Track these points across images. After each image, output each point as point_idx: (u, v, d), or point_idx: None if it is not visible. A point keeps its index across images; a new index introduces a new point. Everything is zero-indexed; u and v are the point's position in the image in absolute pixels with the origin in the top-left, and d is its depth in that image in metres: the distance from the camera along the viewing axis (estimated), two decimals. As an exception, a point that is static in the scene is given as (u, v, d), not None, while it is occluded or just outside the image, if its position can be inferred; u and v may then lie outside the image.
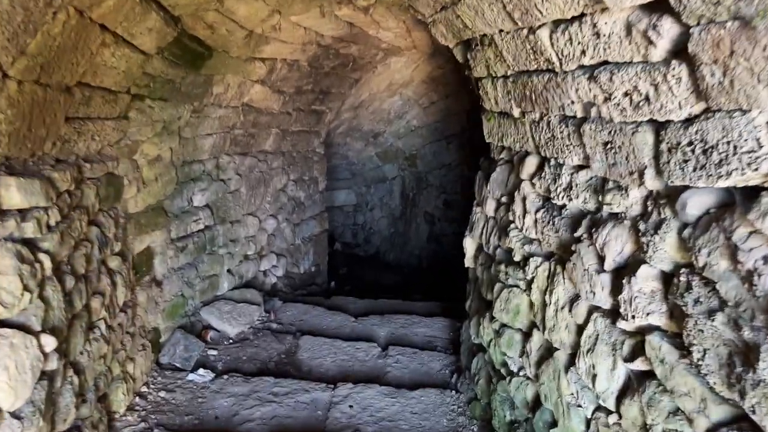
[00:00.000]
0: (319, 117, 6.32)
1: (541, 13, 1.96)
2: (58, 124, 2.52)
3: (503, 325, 2.95)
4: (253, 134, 5.09)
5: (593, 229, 2.07)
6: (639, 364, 1.79)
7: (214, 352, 4.22)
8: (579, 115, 2.10)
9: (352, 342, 4.41)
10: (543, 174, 2.57)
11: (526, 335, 2.73)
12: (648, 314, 1.74)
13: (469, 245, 3.75)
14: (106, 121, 3.04)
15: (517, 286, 2.80)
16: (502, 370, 2.99)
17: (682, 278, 1.59)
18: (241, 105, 4.67)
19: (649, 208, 1.76)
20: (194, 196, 4.41)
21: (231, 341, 4.43)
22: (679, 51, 1.41)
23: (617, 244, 1.92)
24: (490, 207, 3.34)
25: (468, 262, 3.81)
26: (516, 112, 2.80)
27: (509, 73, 2.67)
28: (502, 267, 2.96)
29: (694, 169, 1.47)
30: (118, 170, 3.37)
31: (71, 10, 2.14)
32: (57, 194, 2.51)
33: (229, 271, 4.98)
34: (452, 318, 4.85)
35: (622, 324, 1.88)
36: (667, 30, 1.40)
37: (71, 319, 2.67)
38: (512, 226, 2.93)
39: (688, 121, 1.47)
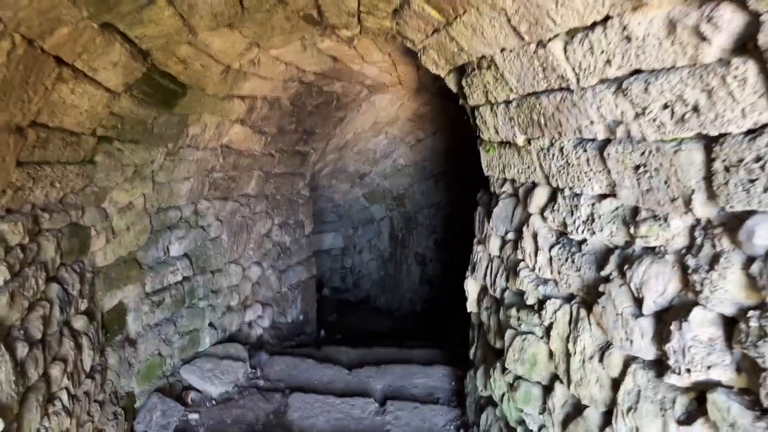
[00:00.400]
0: (304, 158, 6.07)
1: (554, 22, 1.72)
2: (8, 170, 2.22)
3: (518, 378, 2.63)
4: (234, 177, 4.81)
5: (625, 267, 1.79)
6: (700, 428, 1.49)
7: (196, 416, 3.83)
8: (601, 137, 1.85)
9: (346, 398, 4.05)
10: (556, 206, 2.30)
11: (547, 389, 2.41)
12: (708, 367, 1.45)
13: (472, 287, 3.46)
14: (68, 166, 2.74)
15: (533, 333, 2.50)
16: (519, 429, 2.66)
17: (753, 323, 1.31)
18: (220, 146, 4.40)
19: (698, 240, 1.50)
20: (171, 245, 4.09)
21: (214, 402, 4.04)
22: (742, 46, 1.16)
23: (658, 284, 1.64)
24: (494, 245, 3.07)
25: (470, 306, 3.51)
26: (520, 140, 2.56)
27: (512, 97, 2.44)
28: (513, 311, 2.66)
29: (765, 190, 1.21)
30: (83, 220, 3.06)
31: (17, 37, 1.87)
32: (6, 249, 2.19)
33: (211, 324, 4.63)
34: (454, 366, 4.51)
35: (672, 378, 1.58)
36: (727, 21, 1.15)
37: (25, 392, 2.32)
38: (522, 265, 2.65)
39: (754, 132, 1.22)
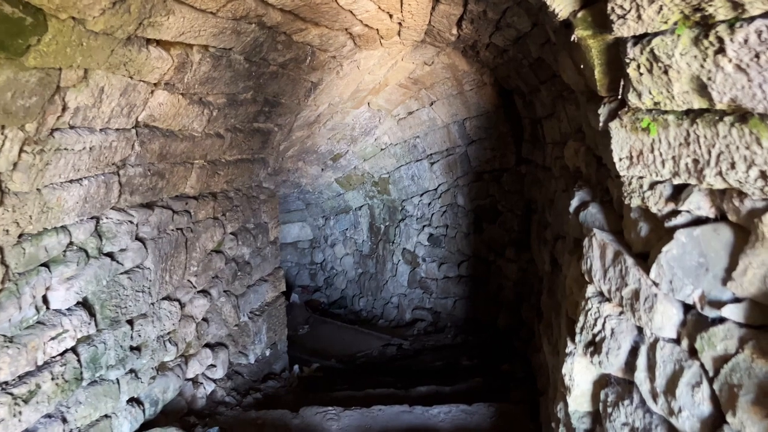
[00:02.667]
0: (265, 139, 4.43)
1: None
2: None
3: None
4: (162, 172, 3.16)
5: None
6: None
7: None
8: None
9: None
10: None
11: None
12: None
13: (582, 373, 1.95)
14: None
15: None
16: None
17: None
18: (134, 126, 2.75)
19: None
20: (52, 292, 2.45)
21: None
22: None
23: None
24: (665, 317, 1.55)
25: (578, 402, 2.00)
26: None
27: None
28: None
29: None
30: None
31: None
32: None
33: (132, 401, 3.01)
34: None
35: None
36: None
37: None
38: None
39: None
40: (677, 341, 1.53)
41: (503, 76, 4.60)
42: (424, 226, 6.86)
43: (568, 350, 2.01)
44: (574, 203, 2.32)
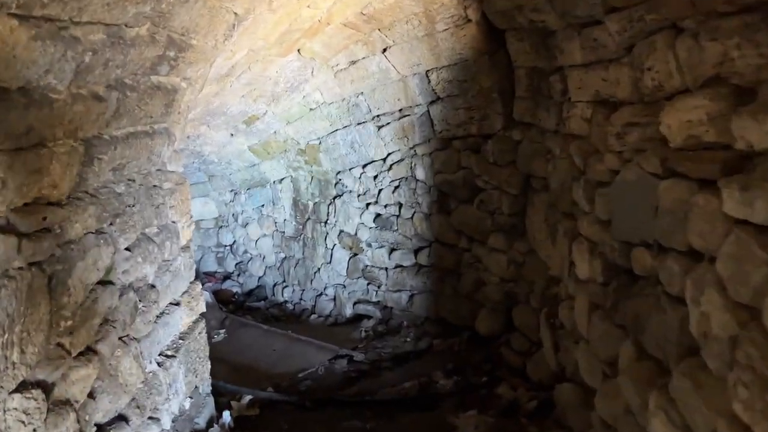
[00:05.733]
0: (170, 100, 2.94)
1: None
2: None
3: None
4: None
5: None
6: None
7: None
8: None
9: None
10: None
11: None
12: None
13: None
14: None
15: None
16: None
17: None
18: None
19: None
20: None
21: None
22: None
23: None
24: None
25: None
26: None
27: None
28: None
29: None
30: None
31: None
32: None
33: None
34: None
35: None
36: None
37: None
38: None
39: None
40: None
41: (502, 8, 3.38)
42: (368, 205, 5.61)
43: None
44: None
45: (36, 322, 1.95)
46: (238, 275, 7.90)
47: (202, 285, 6.74)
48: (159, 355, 3.08)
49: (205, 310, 3.71)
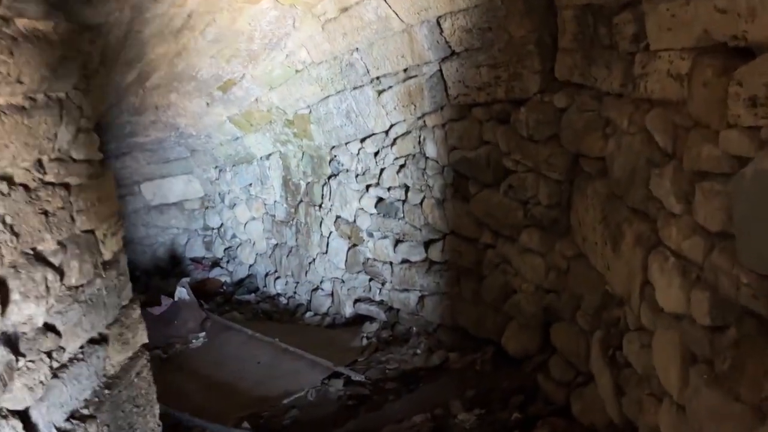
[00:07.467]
0: (57, 55, 1.98)
1: None
2: None
3: None
4: None
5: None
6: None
7: None
8: None
9: None
10: None
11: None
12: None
13: None
14: None
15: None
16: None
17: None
18: None
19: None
20: None
21: None
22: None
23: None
24: None
25: None
26: None
27: None
28: None
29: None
30: None
31: None
32: None
33: None
34: None
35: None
36: None
37: None
38: None
39: None
40: None
41: None
42: (368, 187, 4.66)
43: None
44: None
45: None
46: (228, 262, 7.04)
47: (186, 288, 5.90)
48: (67, 420, 2.21)
49: (146, 340, 2.81)
